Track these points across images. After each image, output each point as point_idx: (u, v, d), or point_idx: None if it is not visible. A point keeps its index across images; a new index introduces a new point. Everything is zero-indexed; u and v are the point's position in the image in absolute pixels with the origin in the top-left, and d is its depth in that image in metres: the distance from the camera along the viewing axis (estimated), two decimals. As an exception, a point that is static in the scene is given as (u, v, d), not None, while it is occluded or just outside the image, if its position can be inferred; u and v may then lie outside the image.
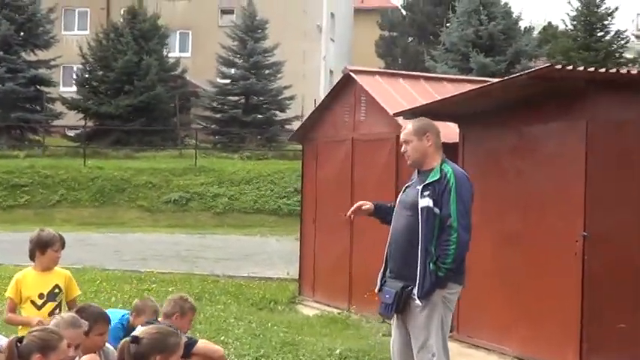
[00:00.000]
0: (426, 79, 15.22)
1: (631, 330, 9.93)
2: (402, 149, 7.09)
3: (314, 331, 12.55)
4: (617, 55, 34.26)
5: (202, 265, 20.58)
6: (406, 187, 7.22)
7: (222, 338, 11.15)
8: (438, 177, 6.87)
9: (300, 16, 46.93)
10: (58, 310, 7.83)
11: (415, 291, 6.78)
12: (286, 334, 12.02)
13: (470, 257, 11.24)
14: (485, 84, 11.69)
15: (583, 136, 9.85)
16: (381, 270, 7.25)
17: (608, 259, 9.86)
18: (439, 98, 13.19)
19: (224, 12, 50.48)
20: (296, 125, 38.24)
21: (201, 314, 12.32)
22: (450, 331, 11.62)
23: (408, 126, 7.17)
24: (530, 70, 9.98)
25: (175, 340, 5.58)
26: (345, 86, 14.72)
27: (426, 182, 6.87)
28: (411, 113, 12.10)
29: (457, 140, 12.30)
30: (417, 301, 6.76)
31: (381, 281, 7.22)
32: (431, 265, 6.74)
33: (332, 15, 50.28)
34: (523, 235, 10.69)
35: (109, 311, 7.53)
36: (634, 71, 10.42)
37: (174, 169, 34.58)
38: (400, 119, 12.93)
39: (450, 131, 12.84)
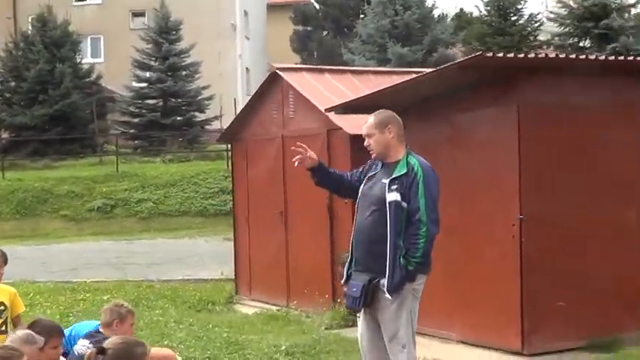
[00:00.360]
0: (352, 72, 15.34)
1: (570, 308, 10.15)
2: (365, 143, 7.08)
3: (256, 329, 12.58)
4: (531, 38, 34.71)
5: (134, 270, 20.42)
6: (369, 178, 7.13)
7: (165, 342, 11.10)
8: (405, 171, 6.87)
9: (213, 16, 46.71)
10: (3, 327, 7.75)
11: (385, 284, 6.77)
12: (229, 334, 12.02)
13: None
14: (416, 75, 11.83)
15: (515, 121, 10.03)
16: (347, 262, 7.22)
17: (545, 241, 10.07)
18: (369, 92, 13.31)
19: (135, 14, 49.90)
20: (216, 125, 38.32)
21: (140, 320, 12.24)
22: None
23: (369, 119, 7.13)
24: (461, 59, 10.14)
25: (142, 350, 5.56)
26: (271, 84, 14.77)
27: (393, 176, 6.86)
28: (342, 108, 12.21)
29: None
30: (387, 295, 6.77)
31: (347, 273, 7.20)
32: (401, 259, 6.76)
33: (245, 13, 50.16)
34: (460, 223, 10.78)
35: (84, 323, 7.50)
36: (562, 55, 10.62)
37: (95, 176, 34.19)
38: (331, 114, 13.03)
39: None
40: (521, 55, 10.06)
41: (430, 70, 12.11)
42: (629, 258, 10.62)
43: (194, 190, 32.87)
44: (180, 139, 40.38)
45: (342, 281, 7.28)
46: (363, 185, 7.15)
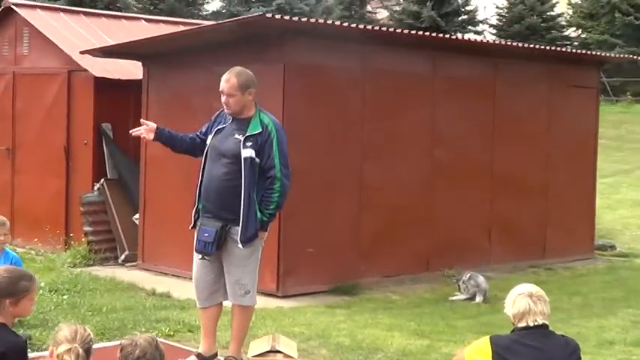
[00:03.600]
0: (85, 14, 15.29)
1: (318, 254, 11.12)
2: (224, 100, 7.30)
3: None
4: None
5: None
6: (217, 131, 7.46)
7: None
8: (259, 130, 7.26)
9: None
10: None
11: (238, 234, 7.22)
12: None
13: (159, 189, 11.95)
14: (195, 27, 12.23)
15: (280, 78, 10.78)
16: (194, 209, 7.57)
17: (300, 191, 10.88)
18: (104, 35, 13.61)
19: None
20: None
21: None
22: (135, 261, 12.30)
23: (230, 79, 7.33)
24: (242, 18, 10.70)
25: (27, 284, 5.67)
26: (3, 19, 14.43)
27: (248, 134, 7.27)
28: (100, 51, 12.35)
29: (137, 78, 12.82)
30: (240, 245, 7.24)
31: (194, 219, 7.57)
32: (258, 212, 7.26)
33: None
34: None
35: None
36: (329, 21, 11.46)
37: None
38: (74, 55, 13.09)
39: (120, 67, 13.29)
40: (295, 19, 10.76)
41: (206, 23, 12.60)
42: (365, 212, 11.74)
43: None
44: None
45: (190, 226, 7.64)
46: (211, 137, 7.49)
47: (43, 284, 10.74)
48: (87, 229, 12.99)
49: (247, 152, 7.22)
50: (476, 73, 13.10)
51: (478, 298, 11.14)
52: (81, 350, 4.81)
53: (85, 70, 13.09)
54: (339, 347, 8.58)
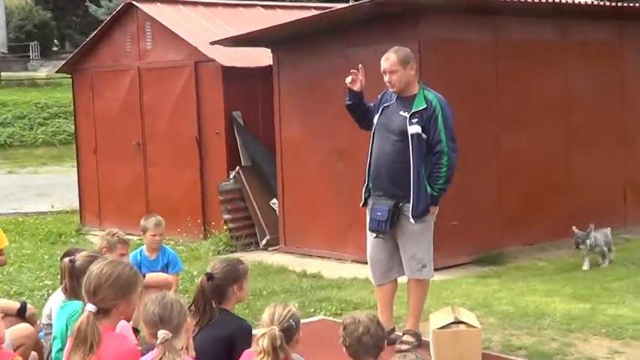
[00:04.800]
0: (204, 4, 15.54)
1: (461, 226, 11.18)
2: (387, 78, 7.42)
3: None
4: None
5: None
6: (384, 109, 7.64)
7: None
8: (424, 105, 7.38)
9: None
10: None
11: (410, 210, 7.36)
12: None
13: (297, 172, 12.15)
14: (326, 11, 12.36)
15: (416, 55, 10.83)
16: (364, 187, 7.73)
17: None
18: (225, 25, 13.82)
19: None
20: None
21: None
22: (277, 245, 12.52)
23: (390, 56, 7.45)
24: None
25: (244, 267, 5.98)
26: (124, 15, 14.76)
27: (413, 110, 7.40)
28: (230, 41, 12.57)
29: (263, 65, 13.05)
30: (412, 220, 7.38)
31: (365, 197, 7.73)
32: (428, 187, 7.38)
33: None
34: (350, 149, 11.50)
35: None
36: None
37: None
38: (200, 46, 13.36)
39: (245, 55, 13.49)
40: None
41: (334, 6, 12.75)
42: (505, 181, 11.81)
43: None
44: None
45: (361, 204, 7.80)
46: (378, 116, 7.64)
47: (195, 273, 11.03)
48: (226, 216, 13.28)
49: (414, 128, 7.33)
50: (603, 38, 13.03)
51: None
52: (277, 331, 4.98)
53: (213, 61, 13.33)
54: (506, 315, 8.67)
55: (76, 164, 16.77)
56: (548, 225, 12.13)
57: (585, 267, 10.92)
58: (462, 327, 7.25)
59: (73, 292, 6.02)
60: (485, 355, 7.33)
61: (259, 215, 13.17)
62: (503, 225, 11.68)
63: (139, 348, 4.94)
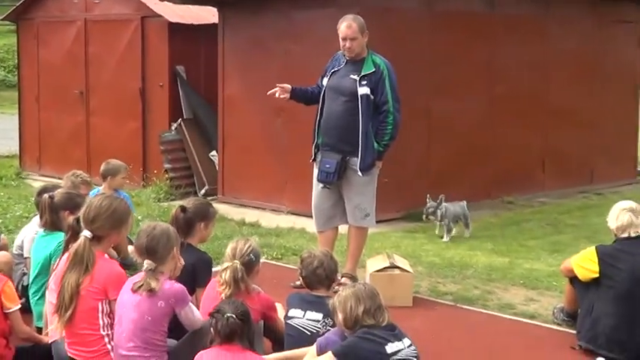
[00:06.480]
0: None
1: (391, 183, 11.94)
2: (348, 45, 8.08)
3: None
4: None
5: None
6: (333, 73, 8.31)
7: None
8: (373, 69, 8.10)
9: None
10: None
11: (357, 164, 8.08)
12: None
13: (237, 127, 12.76)
14: None
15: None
16: (313, 144, 8.42)
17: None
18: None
19: None
20: None
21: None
22: (215, 195, 13.15)
23: (352, 24, 8.14)
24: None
25: (213, 210, 6.70)
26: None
27: (363, 74, 8.10)
28: (179, -1, 13.09)
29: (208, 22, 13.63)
30: (359, 173, 8.11)
31: (314, 153, 8.42)
32: (374, 143, 8.11)
33: None
34: (289, 107, 12.11)
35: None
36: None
37: None
38: (148, 1, 13.85)
39: (191, 12, 14.02)
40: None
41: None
42: (433, 144, 12.60)
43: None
44: None
45: (311, 159, 8.49)
46: (327, 79, 8.33)
47: (140, 217, 11.62)
48: (167, 166, 13.87)
49: (363, 90, 8.08)
50: (530, 12, 13.86)
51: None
52: (238, 265, 5.72)
53: (160, 16, 13.83)
54: (433, 265, 9.53)
55: (17, 110, 17.15)
56: (472, 186, 12.95)
57: (445, 239, 10.93)
58: (397, 271, 8.06)
59: (53, 225, 6.68)
60: (415, 298, 8.17)
61: (199, 166, 13.78)
62: (430, 185, 12.37)
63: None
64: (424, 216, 11.16)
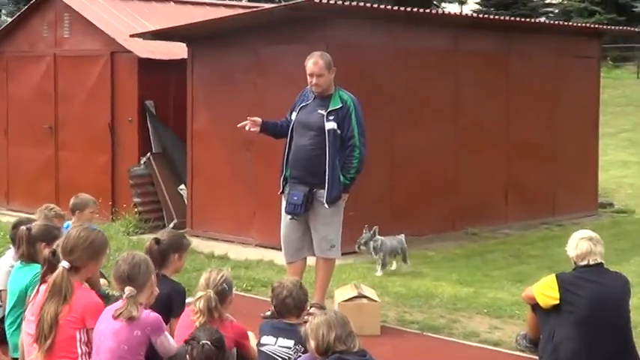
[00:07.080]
0: (121, -2, 16.19)
1: (356, 216, 12.16)
2: (315, 81, 8.34)
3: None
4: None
5: None
6: (302, 108, 8.56)
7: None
8: (340, 105, 8.36)
9: None
10: None
11: (324, 196, 8.31)
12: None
13: (206, 160, 12.92)
14: (240, 12, 13.18)
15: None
16: (281, 176, 8.64)
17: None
18: (143, 20, 14.54)
19: None
20: None
21: None
22: (184, 229, 13.30)
23: (319, 61, 8.38)
24: (291, 3, 11.69)
25: (187, 242, 6.88)
26: (42, 4, 15.34)
27: (330, 109, 8.35)
28: (151, 34, 13.32)
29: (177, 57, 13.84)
30: (326, 205, 8.33)
31: (282, 185, 8.64)
32: (341, 176, 8.35)
33: None
34: (258, 140, 12.29)
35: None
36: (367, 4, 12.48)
37: None
38: (117, 37, 14.06)
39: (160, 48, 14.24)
40: (334, 2, 11.67)
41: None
42: (397, 177, 12.85)
43: None
44: None
45: (279, 192, 8.71)
46: (296, 113, 8.58)
47: (109, 251, 11.69)
48: (136, 200, 14.02)
49: (330, 125, 8.34)
50: (492, 48, 14.22)
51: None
52: (212, 294, 5.90)
53: (129, 52, 14.03)
54: (399, 295, 9.75)
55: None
56: (435, 218, 13.26)
57: (379, 273, 10.79)
58: (365, 300, 8.27)
59: (30, 257, 6.84)
60: (383, 327, 8.39)
61: (168, 200, 13.94)
62: (394, 216, 12.61)
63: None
64: (356, 246, 10.88)
